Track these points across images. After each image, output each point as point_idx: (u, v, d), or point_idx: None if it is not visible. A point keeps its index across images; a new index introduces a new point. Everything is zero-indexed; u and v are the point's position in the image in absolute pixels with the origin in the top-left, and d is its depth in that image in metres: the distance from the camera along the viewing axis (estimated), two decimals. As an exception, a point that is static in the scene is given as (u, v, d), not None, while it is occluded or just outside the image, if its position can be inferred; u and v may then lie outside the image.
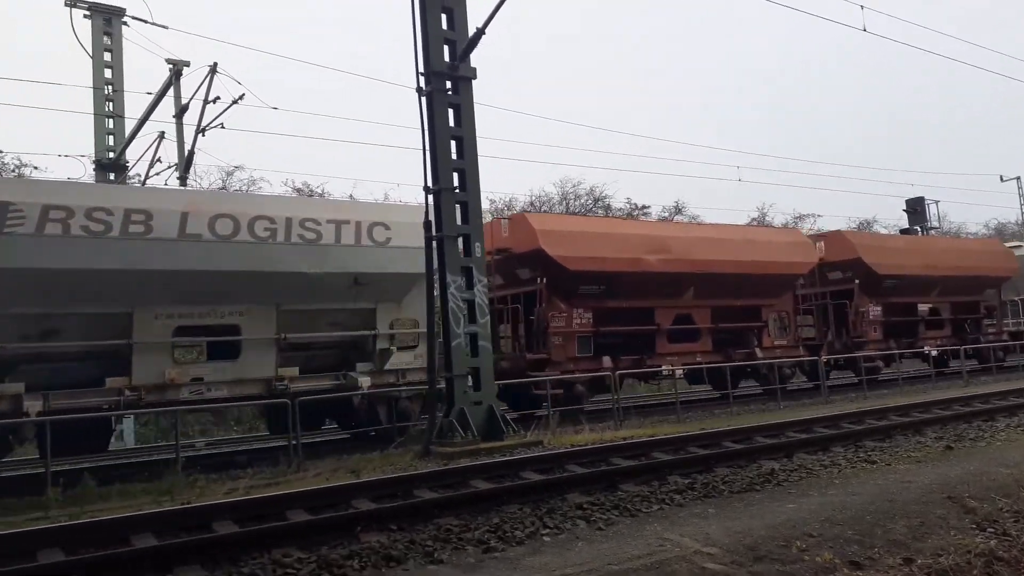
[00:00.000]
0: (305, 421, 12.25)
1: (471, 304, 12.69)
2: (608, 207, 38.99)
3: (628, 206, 39.34)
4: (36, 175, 24.55)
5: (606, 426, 13.88)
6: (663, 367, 17.84)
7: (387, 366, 13.35)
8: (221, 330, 12.10)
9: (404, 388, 13.42)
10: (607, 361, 16.87)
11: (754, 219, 45.32)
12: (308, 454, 11.43)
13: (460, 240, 12.80)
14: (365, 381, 12.85)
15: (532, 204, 38.45)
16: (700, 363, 18.61)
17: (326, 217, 12.84)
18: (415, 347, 13.66)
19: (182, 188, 14.52)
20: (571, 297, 16.79)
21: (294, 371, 12.56)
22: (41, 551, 6.33)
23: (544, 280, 16.44)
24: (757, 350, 19.75)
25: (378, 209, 14.51)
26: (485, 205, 13.76)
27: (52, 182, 11.89)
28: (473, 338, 12.58)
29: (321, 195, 29.30)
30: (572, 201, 39.06)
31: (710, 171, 61.44)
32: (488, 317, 13.03)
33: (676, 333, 18.54)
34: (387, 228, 13.37)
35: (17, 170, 24.84)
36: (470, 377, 12.33)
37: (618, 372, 16.16)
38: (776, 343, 20.54)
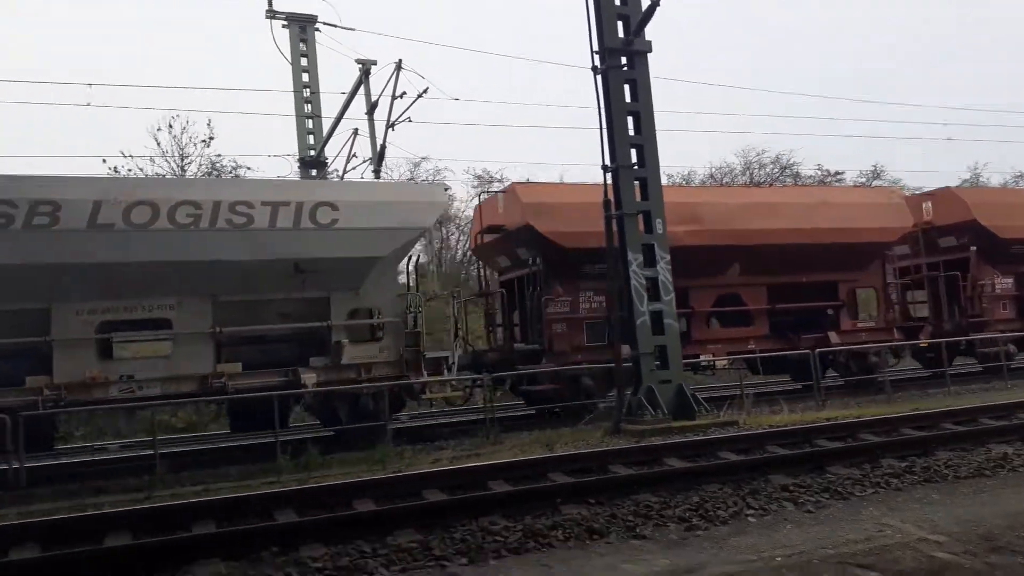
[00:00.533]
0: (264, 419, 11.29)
1: (654, 282, 12.53)
2: (797, 175, 36.94)
3: (819, 172, 37.07)
4: (248, 174, 27.10)
5: (806, 407, 13.21)
6: (700, 356, 15.50)
7: (345, 360, 11.91)
8: (150, 324, 11.29)
9: (366, 384, 12.02)
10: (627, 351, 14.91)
11: (965, 180, 41.06)
12: (505, 427, 11.93)
13: (640, 217, 12.65)
14: (310, 378, 11.47)
15: (712, 176, 37.26)
16: (753, 351, 15.79)
17: (260, 199, 11.53)
18: (379, 340, 12.29)
19: (94, 176, 12.63)
20: (575, 279, 14.71)
21: (236, 367, 11.46)
22: (278, 511, 7.03)
23: (539, 260, 14.74)
24: (832, 334, 16.66)
25: (323, 188, 13.23)
26: (664, 180, 13.40)
27: None
28: (657, 316, 12.43)
29: (500, 181, 30.04)
30: (756, 171, 37.43)
31: (914, 131, 56.26)
32: (672, 295, 12.79)
33: (719, 317, 16.23)
34: (334, 208, 11.82)
35: (233, 171, 27.58)
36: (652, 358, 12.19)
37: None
38: (860, 325, 17.48)
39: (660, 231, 12.73)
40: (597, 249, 13.37)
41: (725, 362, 15.97)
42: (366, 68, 20.54)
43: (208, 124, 27.97)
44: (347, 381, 11.72)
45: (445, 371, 12.63)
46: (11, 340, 10.42)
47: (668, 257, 12.75)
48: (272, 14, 20.85)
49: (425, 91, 19.02)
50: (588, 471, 8.29)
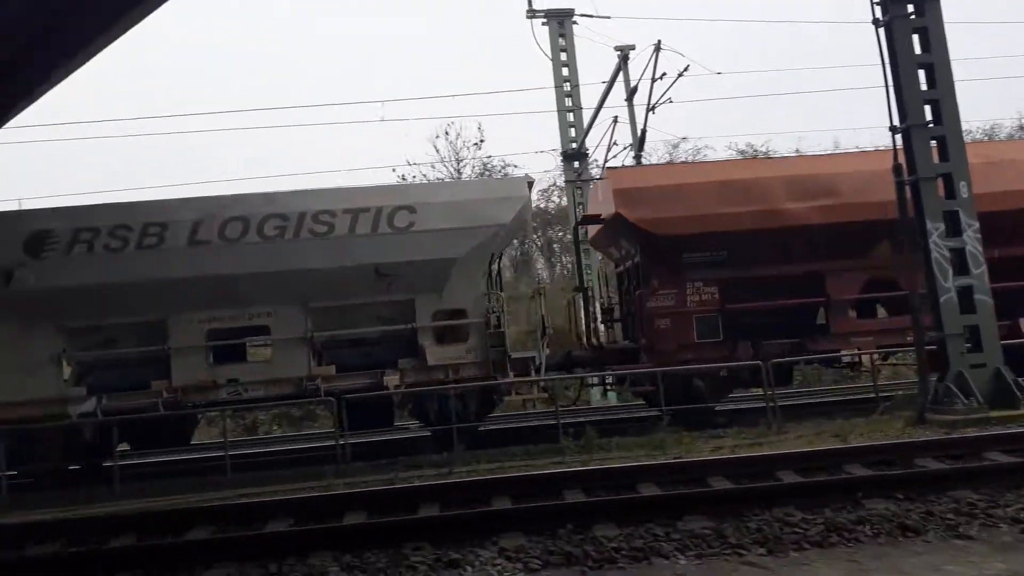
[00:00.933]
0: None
1: (960, 253, 11.13)
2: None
3: None
4: (515, 172, 28.52)
5: None
6: (841, 351, 13.19)
7: (431, 361, 11.79)
8: (251, 331, 11.89)
9: (453, 386, 11.79)
10: (744, 348, 12.77)
11: None
12: (788, 416, 11.37)
13: (939, 181, 11.29)
14: (391, 380, 11.55)
15: (1022, 127, 32.22)
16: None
17: (341, 207, 11.74)
18: (465, 340, 12.01)
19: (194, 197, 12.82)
20: (679, 269, 13.08)
21: (330, 369, 11.73)
22: (567, 490, 7.33)
23: (638, 251, 13.48)
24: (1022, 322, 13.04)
25: (401, 192, 13.18)
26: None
27: (82, 207, 11.86)
28: (967, 292, 11.03)
29: (766, 155, 28.54)
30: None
31: None
32: (984, 267, 11.24)
33: (868, 305, 13.63)
34: (411, 212, 11.77)
35: (503, 170, 29.25)
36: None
37: (771, 361, 11.96)
38: None
39: (965, 195, 11.28)
40: (700, 235, 12.59)
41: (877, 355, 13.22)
42: (624, 54, 20.57)
43: (479, 128, 29.94)
44: (435, 382, 11.74)
45: (532, 372, 12.18)
46: (137, 349, 11.67)
47: (976, 225, 11.24)
48: (532, 13, 21.63)
49: (686, 69, 18.63)
50: (889, 464, 7.66)
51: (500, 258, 12.57)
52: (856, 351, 13.17)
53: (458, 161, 30.34)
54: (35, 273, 11.10)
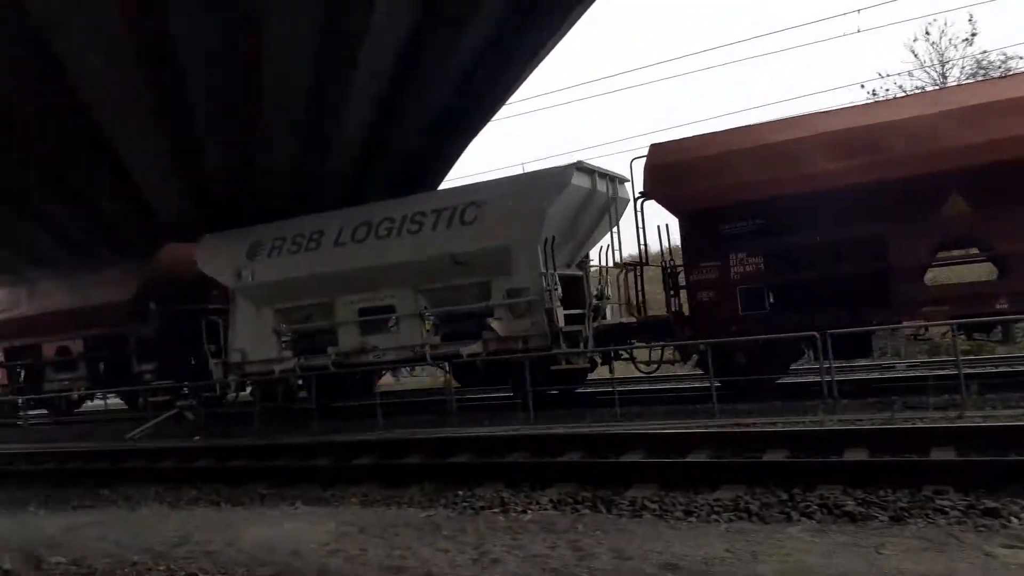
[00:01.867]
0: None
1: None
2: None
3: None
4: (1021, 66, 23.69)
5: None
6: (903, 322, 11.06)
7: (504, 333, 13.36)
8: (384, 309, 14.61)
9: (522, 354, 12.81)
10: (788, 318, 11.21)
11: None
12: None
13: None
14: (469, 349, 13.44)
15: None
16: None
17: (429, 208, 14.31)
18: (528, 315, 13.22)
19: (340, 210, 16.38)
20: (718, 241, 12.04)
21: (436, 339, 14.13)
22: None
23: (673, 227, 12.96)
24: None
25: (472, 192, 14.42)
26: None
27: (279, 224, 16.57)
28: None
29: None
30: None
31: None
32: None
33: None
34: (478, 207, 13.65)
35: (1002, 66, 24.61)
36: None
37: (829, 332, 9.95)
38: None
39: None
40: (735, 205, 11.70)
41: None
42: None
43: (969, 20, 25.65)
44: (511, 351, 13.13)
45: (581, 344, 13.19)
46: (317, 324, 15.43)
47: None
48: None
49: None
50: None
51: (553, 240, 13.38)
52: (924, 323, 11.01)
53: (942, 64, 26.35)
54: (252, 271, 15.89)
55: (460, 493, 7.11)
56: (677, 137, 13.11)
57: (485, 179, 15.86)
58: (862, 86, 25.48)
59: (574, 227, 13.96)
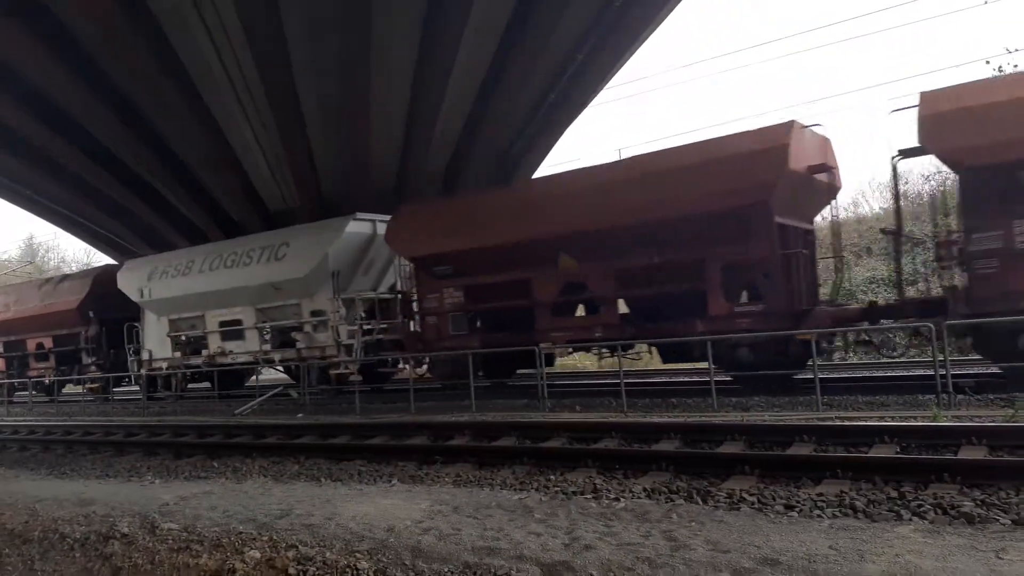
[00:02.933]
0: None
1: None
2: None
3: None
4: None
5: None
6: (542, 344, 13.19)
7: (309, 344, 15.82)
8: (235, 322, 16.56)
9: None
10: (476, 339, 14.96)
11: None
12: None
13: None
14: (282, 355, 16.05)
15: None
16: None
17: (258, 245, 17.33)
18: (324, 331, 16.00)
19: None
20: (437, 278, 15.54)
21: (268, 347, 16.70)
22: None
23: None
24: (698, 323, 12.11)
25: (281, 234, 16.99)
26: None
27: None
28: None
29: None
30: None
31: None
32: None
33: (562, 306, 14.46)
34: (287, 246, 16.52)
35: None
36: None
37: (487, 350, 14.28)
38: (739, 308, 12.06)
39: None
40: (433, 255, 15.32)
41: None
42: None
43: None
44: (314, 358, 14.02)
45: (355, 354, 14.63)
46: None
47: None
48: None
49: None
50: None
51: (339, 274, 16.47)
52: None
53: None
54: (151, 290, 18.03)
55: (552, 477, 7.10)
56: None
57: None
58: (987, 62, 23.73)
59: (363, 262, 17.63)
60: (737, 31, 72.39)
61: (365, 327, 16.83)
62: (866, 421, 7.98)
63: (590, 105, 25.65)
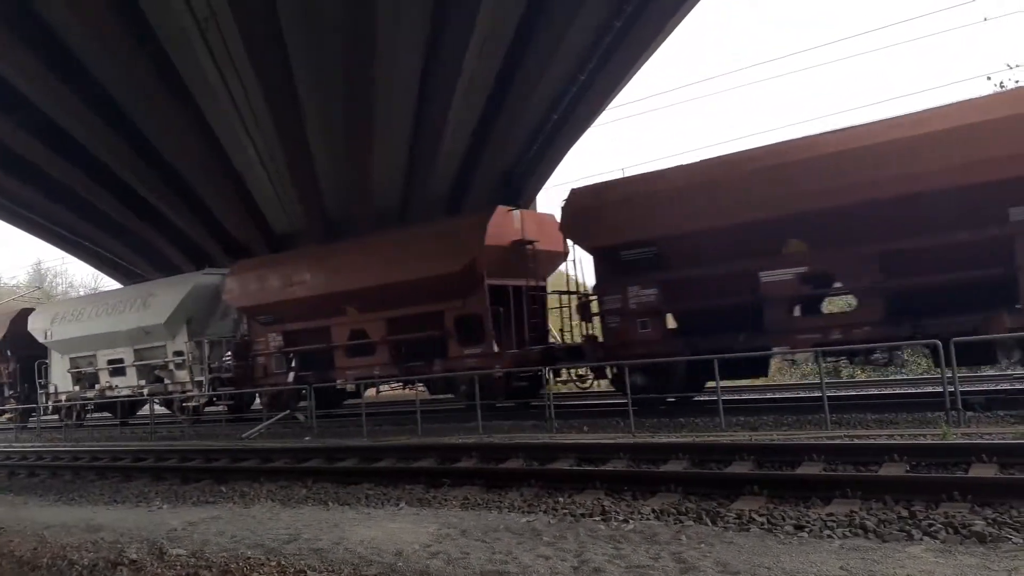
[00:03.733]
0: None
1: None
2: None
3: None
4: None
5: None
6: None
7: (173, 380, 15.53)
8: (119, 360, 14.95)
9: None
10: (291, 377, 18.13)
11: None
12: None
13: None
14: (151, 388, 14.76)
15: None
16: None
17: (133, 295, 16.61)
18: (184, 369, 15.43)
19: None
20: (262, 324, 18.83)
21: (143, 382, 15.27)
22: None
23: None
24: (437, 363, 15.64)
25: (148, 285, 17.86)
26: None
27: None
28: None
29: None
30: None
31: None
32: None
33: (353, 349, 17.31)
34: (152, 296, 17.73)
35: None
36: None
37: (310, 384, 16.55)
38: (468, 352, 15.21)
39: None
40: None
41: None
42: None
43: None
44: (178, 392, 13.84)
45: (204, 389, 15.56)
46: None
47: None
48: None
49: None
50: None
51: (190, 320, 18.25)
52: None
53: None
54: (53, 332, 17.12)
55: (560, 499, 7.08)
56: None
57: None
58: (988, 78, 23.83)
59: (218, 310, 20.05)
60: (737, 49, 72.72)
61: (212, 366, 19.75)
62: (875, 439, 7.95)
63: (597, 123, 25.78)
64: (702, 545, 5.24)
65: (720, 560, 4.84)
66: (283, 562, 5.58)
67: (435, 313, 15.52)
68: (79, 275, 77.93)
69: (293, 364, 18.56)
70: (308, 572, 5.35)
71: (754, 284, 11.76)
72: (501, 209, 15.34)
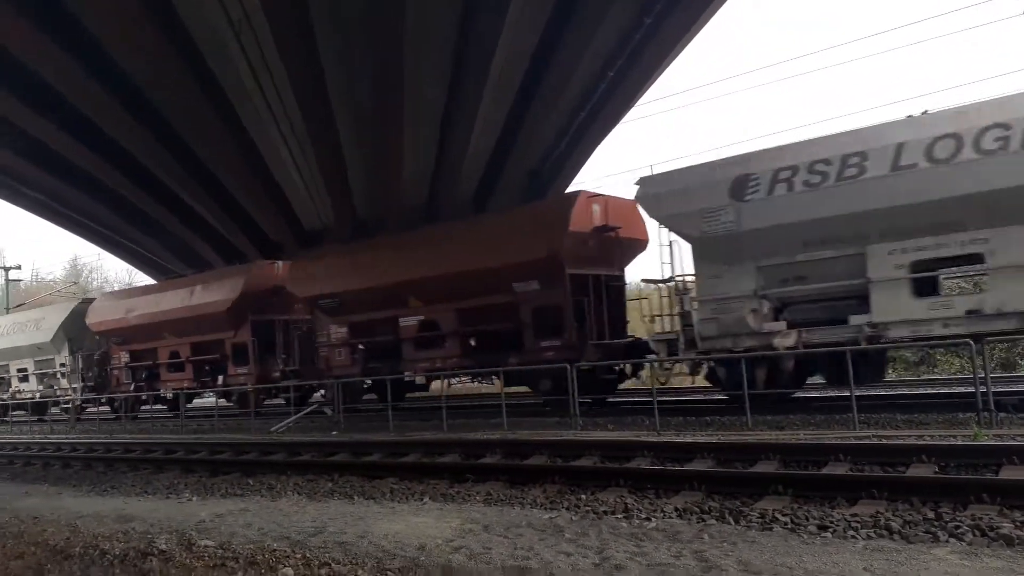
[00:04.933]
0: None
1: None
2: None
3: None
4: None
5: None
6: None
7: (62, 386, 16.00)
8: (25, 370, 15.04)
9: None
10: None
11: None
12: None
13: None
14: (43, 393, 13.49)
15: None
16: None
17: (30, 318, 17.43)
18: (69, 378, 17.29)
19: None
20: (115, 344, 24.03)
21: (40, 388, 13.43)
22: None
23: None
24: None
25: (40, 312, 19.87)
26: None
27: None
28: None
29: None
30: None
31: None
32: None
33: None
34: (44, 320, 17.13)
35: None
36: None
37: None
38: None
39: None
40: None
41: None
42: None
43: None
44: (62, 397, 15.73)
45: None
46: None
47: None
48: None
49: None
50: None
51: (71, 340, 20.03)
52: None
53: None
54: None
55: (583, 496, 7.08)
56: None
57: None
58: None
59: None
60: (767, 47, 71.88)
61: (86, 375, 24.52)
62: (904, 440, 7.85)
63: (626, 120, 25.65)
64: (724, 544, 5.22)
65: (742, 559, 4.82)
66: (308, 555, 5.66)
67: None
68: (114, 270, 79.44)
69: (143, 377, 23.61)
70: (332, 565, 5.42)
71: (396, 326, 16.98)
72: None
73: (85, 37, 20.38)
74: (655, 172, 13.19)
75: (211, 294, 20.75)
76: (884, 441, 7.64)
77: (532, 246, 14.24)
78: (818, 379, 13.72)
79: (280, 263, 20.85)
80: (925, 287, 10.88)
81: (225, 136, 22.93)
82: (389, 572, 5.19)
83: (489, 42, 19.52)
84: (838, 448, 7.36)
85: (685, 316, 12.57)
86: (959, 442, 7.44)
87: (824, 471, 6.96)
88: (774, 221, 11.45)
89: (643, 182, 13.11)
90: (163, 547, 6.19)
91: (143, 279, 41.20)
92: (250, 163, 23.93)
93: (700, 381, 14.91)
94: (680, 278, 12.85)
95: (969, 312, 10.22)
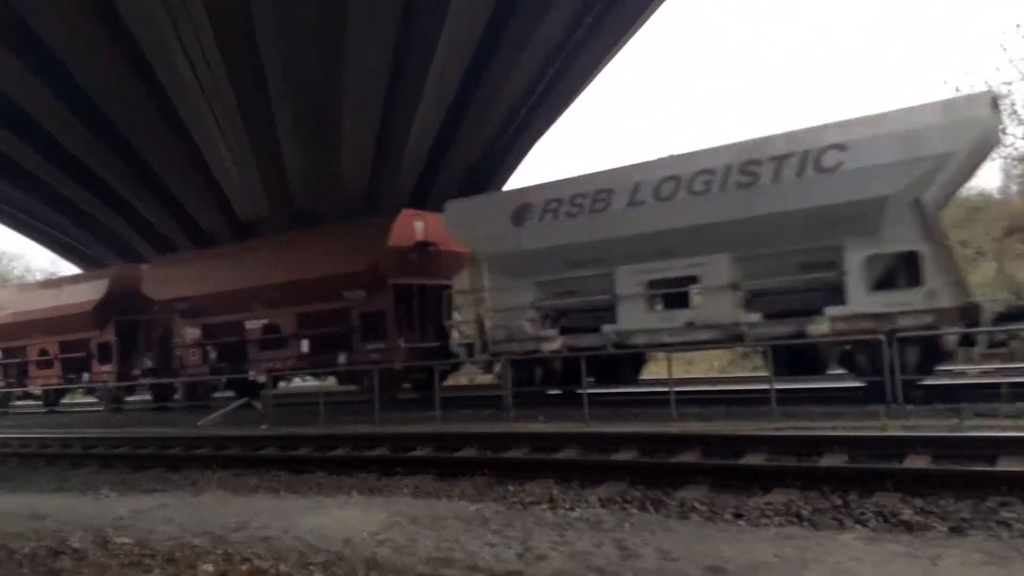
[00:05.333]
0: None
1: None
2: None
3: None
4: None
5: None
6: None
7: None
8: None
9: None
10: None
11: None
12: None
13: None
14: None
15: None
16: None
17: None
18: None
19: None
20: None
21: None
22: None
23: None
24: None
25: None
26: None
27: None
28: None
29: None
30: None
31: None
32: None
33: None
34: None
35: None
36: None
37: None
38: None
39: None
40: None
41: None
42: None
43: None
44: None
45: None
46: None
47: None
48: None
49: None
50: None
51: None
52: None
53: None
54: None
55: (511, 488, 7.16)
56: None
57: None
58: (945, 82, 24.36)
59: None
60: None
61: None
62: (819, 431, 8.16)
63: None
64: (644, 532, 5.35)
65: (660, 547, 4.95)
66: (229, 550, 5.56)
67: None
68: (37, 259, 75.96)
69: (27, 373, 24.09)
70: (254, 560, 5.35)
71: (242, 329, 18.52)
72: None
73: (20, 26, 19.49)
74: (460, 198, 15.71)
75: (78, 295, 22.01)
76: (800, 432, 7.93)
77: (358, 259, 16.30)
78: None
79: (145, 266, 22.12)
80: (658, 302, 13.02)
81: (157, 122, 22.24)
82: (312, 566, 5.15)
83: (431, 37, 19.41)
84: (757, 439, 7.61)
85: (480, 323, 14.46)
86: (868, 433, 7.78)
87: (742, 461, 7.19)
88: (544, 244, 13.51)
89: (449, 206, 15.24)
90: (76, 545, 5.99)
91: (68, 268, 39.66)
92: (183, 150, 23.27)
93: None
94: (449, 291, 15.38)
95: (688, 324, 12.32)
